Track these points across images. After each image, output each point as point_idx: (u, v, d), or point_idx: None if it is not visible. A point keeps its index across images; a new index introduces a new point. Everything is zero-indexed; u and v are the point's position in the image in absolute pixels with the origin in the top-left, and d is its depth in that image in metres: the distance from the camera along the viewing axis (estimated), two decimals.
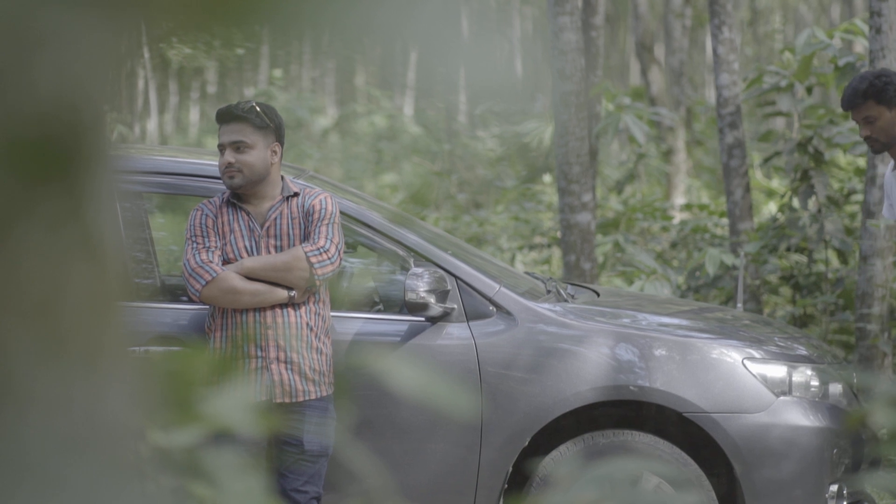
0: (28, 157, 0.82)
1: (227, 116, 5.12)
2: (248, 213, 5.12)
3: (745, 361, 5.61)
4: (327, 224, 5.09)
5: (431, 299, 5.37)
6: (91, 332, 0.86)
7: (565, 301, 5.94)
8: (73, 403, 0.85)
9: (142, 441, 0.91)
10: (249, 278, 5.03)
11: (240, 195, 5.14)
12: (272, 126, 5.13)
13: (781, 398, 5.60)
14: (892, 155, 5.60)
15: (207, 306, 5.15)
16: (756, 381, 5.59)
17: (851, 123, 10.84)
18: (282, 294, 5.03)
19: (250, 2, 0.83)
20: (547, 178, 17.52)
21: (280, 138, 5.16)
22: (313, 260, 5.01)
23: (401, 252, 5.64)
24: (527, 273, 6.70)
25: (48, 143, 0.82)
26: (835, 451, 5.62)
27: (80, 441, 0.86)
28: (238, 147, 5.07)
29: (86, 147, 0.84)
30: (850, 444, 5.72)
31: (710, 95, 29.21)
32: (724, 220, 13.15)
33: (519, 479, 5.62)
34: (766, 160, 11.44)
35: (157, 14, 0.82)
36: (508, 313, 5.61)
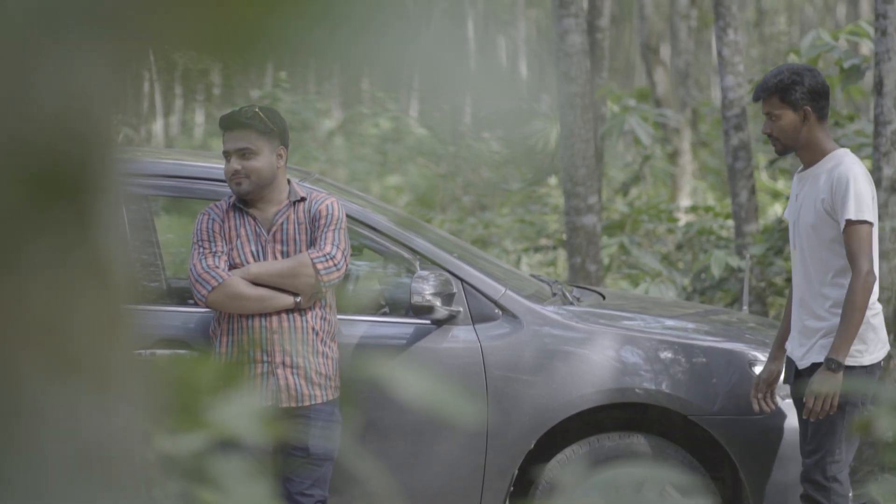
0: (35, 177, 0.83)
1: (230, 123, 5.11)
2: (254, 218, 5.12)
3: (751, 364, 5.61)
4: (334, 230, 5.08)
5: (437, 302, 5.38)
6: (99, 351, 0.87)
7: (570, 304, 5.94)
8: (82, 422, 0.86)
9: (150, 460, 0.92)
10: (255, 284, 5.03)
11: (246, 200, 5.14)
12: (276, 130, 5.12)
13: (787, 401, 5.60)
14: (800, 158, 5.31)
15: (213, 311, 5.15)
16: None
17: (856, 125, 10.84)
18: (287, 300, 5.03)
19: (257, 32, 0.84)
20: (552, 180, 17.52)
21: (285, 142, 5.16)
22: (319, 266, 5.01)
23: (406, 255, 5.64)
24: (532, 275, 6.70)
25: (55, 162, 0.83)
26: None
27: (88, 460, 0.86)
28: (244, 154, 5.07)
29: (93, 165, 0.84)
30: (857, 450, 5.72)
31: (716, 97, 29.19)
32: (730, 222, 13.15)
33: (525, 481, 5.63)
34: (772, 162, 11.45)
35: (163, 41, 0.83)
36: (514, 316, 5.62)
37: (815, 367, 5.10)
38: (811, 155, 5.16)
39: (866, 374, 5.06)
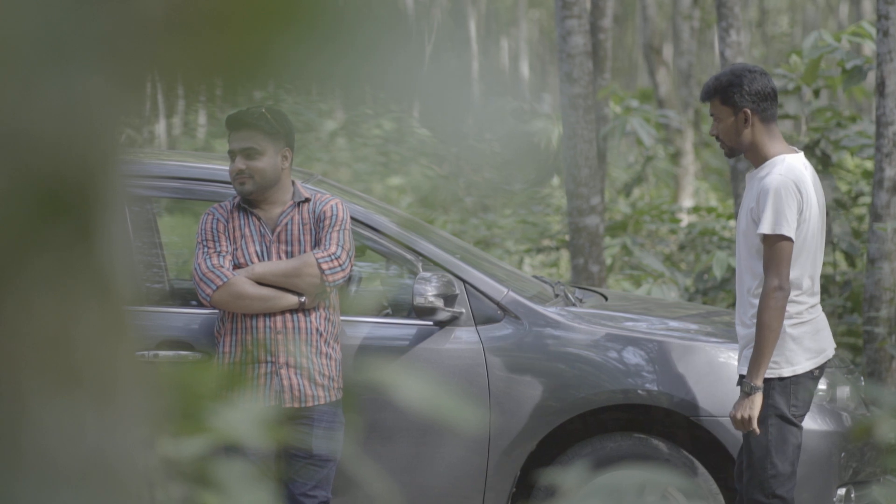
0: (39, 192, 0.84)
1: (237, 123, 5.12)
2: (259, 219, 5.13)
3: None
4: (338, 230, 5.09)
5: (440, 304, 5.38)
6: (103, 363, 0.87)
7: (573, 305, 5.95)
8: (86, 433, 0.87)
9: (155, 470, 0.93)
10: (260, 284, 5.04)
11: (251, 200, 5.15)
12: (282, 132, 5.13)
13: None
14: (749, 159, 5.22)
15: (217, 311, 5.16)
16: None
17: (859, 126, 10.84)
18: (292, 300, 5.04)
19: (259, 56, 0.84)
20: (555, 181, 17.52)
21: (290, 143, 5.17)
22: (324, 266, 5.02)
23: (409, 256, 5.65)
24: (535, 277, 6.70)
25: (59, 177, 0.84)
26: (843, 454, 5.62)
27: (92, 470, 0.87)
28: (248, 154, 5.07)
29: (97, 180, 0.85)
30: (859, 451, 5.72)
31: None
32: (732, 223, 13.14)
33: (527, 483, 5.63)
34: None
35: (168, 67, 0.84)
36: (516, 317, 5.62)
37: (742, 378, 5.06)
38: (755, 158, 5.08)
39: (789, 385, 5.00)
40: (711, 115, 5.14)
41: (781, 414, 4.98)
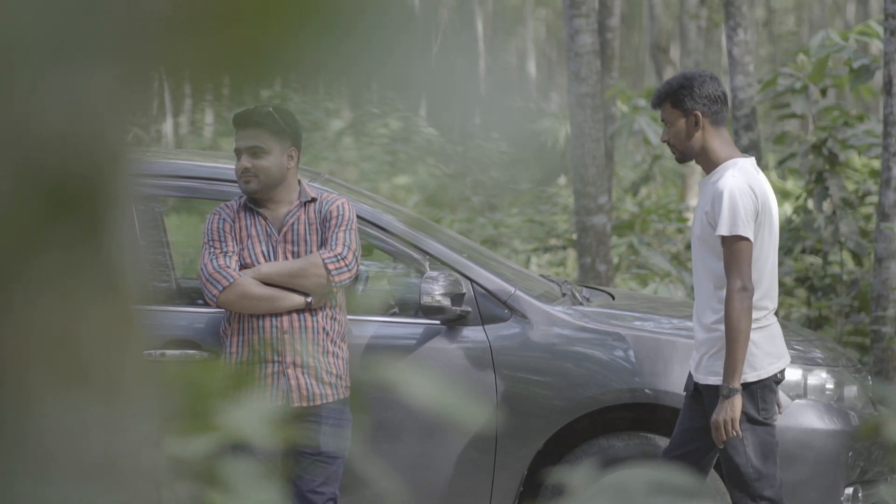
0: (45, 191, 0.84)
1: (244, 121, 5.12)
2: (265, 218, 5.13)
3: None
4: (345, 230, 5.09)
5: (447, 303, 5.38)
6: (109, 361, 0.87)
7: (580, 304, 5.95)
8: (92, 432, 0.87)
9: (161, 469, 0.93)
10: (266, 284, 5.04)
11: (257, 200, 5.15)
12: (288, 131, 5.13)
13: (796, 401, 5.60)
14: (701, 167, 5.19)
15: (224, 311, 5.16)
16: None
17: (866, 125, 10.84)
18: (298, 300, 5.03)
19: (265, 51, 0.84)
20: (562, 180, 17.51)
21: (297, 143, 5.16)
22: (331, 267, 5.01)
23: (416, 255, 5.65)
24: (542, 276, 6.70)
25: (65, 175, 0.84)
26: (850, 454, 5.62)
27: (98, 469, 0.87)
28: (254, 152, 5.07)
29: (104, 178, 0.85)
30: (866, 450, 5.71)
31: None
32: None
33: (535, 481, 5.63)
34: (781, 162, 11.44)
35: (175, 65, 0.84)
36: (523, 316, 5.62)
37: (706, 387, 5.03)
38: (706, 163, 5.07)
39: (756, 389, 4.96)
40: (663, 120, 5.14)
41: (752, 418, 4.97)
